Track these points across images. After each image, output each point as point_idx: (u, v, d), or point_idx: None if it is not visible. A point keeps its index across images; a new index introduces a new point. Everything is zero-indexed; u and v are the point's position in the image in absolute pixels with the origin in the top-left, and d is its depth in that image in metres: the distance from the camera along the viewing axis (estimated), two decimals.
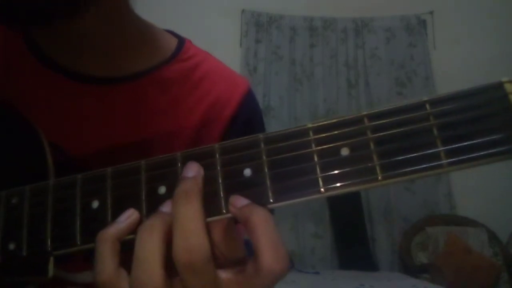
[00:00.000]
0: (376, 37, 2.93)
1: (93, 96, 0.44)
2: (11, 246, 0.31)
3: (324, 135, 0.27)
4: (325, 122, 0.27)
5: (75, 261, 0.43)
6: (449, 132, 0.24)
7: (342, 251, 2.67)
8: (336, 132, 0.26)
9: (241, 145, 0.28)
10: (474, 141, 0.24)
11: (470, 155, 0.24)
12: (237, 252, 0.29)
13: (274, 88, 2.86)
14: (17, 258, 0.31)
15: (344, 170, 0.26)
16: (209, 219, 0.27)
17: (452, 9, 2.92)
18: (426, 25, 2.95)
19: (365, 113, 0.26)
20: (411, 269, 2.45)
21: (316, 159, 0.26)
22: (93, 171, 0.31)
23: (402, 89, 2.87)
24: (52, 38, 0.44)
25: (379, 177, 0.25)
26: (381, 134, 0.26)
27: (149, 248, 0.26)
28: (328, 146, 0.26)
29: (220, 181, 0.28)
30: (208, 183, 0.28)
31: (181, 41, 0.51)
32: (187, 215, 0.26)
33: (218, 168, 0.28)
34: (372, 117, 0.26)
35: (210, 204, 0.27)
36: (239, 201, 0.27)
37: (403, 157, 0.25)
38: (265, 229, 0.26)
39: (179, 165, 0.29)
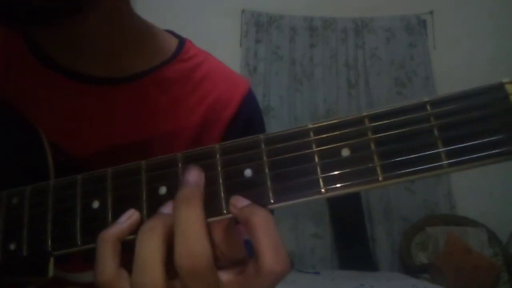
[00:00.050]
0: (376, 37, 2.93)
1: (94, 96, 0.44)
2: (12, 246, 0.31)
3: (324, 135, 0.27)
4: (326, 123, 0.27)
5: (75, 261, 0.43)
6: (450, 133, 0.24)
7: (342, 251, 2.67)
8: (336, 132, 0.27)
9: (242, 146, 0.28)
10: (475, 142, 0.24)
11: (471, 156, 0.24)
12: (237, 252, 0.29)
13: (274, 88, 2.86)
14: (17, 258, 0.31)
15: (345, 170, 0.26)
16: (210, 220, 0.27)
17: (452, 9, 2.92)
18: (426, 25, 2.95)
19: (365, 113, 0.26)
20: (411, 269, 2.45)
21: (316, 159, 0.26)
22: (94, 171, 0.31)
23: (402, 89, 2.87)
24: (52, 38, 0.44)
25: (380, 178, 0.25)
26: (382, 134, 0.26)
27: (150, 249, 0.26)
28: (328, 146, 0.26)
29: (220, 181, 0.28)
30: (209, 183, 0.28)
31: (182, 41, 0.51)
32: (188, 220, 0.26)
33: (219, 168, 0.28)
34: (373, 117, 0.26)
35: (211, 205, 0.27)
36: (240, 202, 0.27)
37: (403, 158, 0.25)
38: (266, 230, 0.26)
39: (180, 165, 0.29)
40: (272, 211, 0.27)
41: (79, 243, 0.29)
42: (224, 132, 0.47)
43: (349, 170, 0.26)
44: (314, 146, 0.27)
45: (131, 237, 0.28)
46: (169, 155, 0.29)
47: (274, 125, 2.74)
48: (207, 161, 0.28)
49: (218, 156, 0.28)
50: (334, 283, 2.11)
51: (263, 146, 0.28)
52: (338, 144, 0.26)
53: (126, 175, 0.30)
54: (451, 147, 0.24)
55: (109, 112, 0.45)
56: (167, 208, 0.27)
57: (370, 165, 0.25)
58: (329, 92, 2.86)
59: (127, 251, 0.28)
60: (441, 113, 0.25)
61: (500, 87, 0.24)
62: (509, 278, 2.44)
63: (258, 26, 2.92)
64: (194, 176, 0.27)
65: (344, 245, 2.67)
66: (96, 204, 0.30)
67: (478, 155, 0.24)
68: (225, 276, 0.27)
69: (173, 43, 0.50)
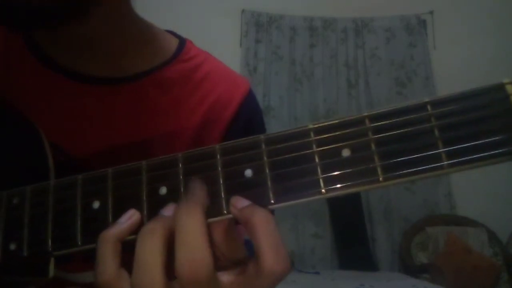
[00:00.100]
0: (376, 37, 2.93)
1: (94, 96, 0.44)
2: (12, 246, 0.31)
3: (325, 136, 0.27)
4: (326, 123, 0.27)
5: (75, 261, 0.43)
6: (450, 133, 0.24)
7: (342, 251, 2.67)
8: (337, 133, 0.26)
9: (242, 146, 0.28)
10: (475, 143, 0.24)
11: (471, 157, 0.24)
12: (237, 252, 0.29)
13: (274, 88, 2.86)
14: (18, 258, 0.31)
15: (345, 171, 0.26)
16: (210, 220, 0.27)
17: (452, 9, 2.92)
18: (426, 25, 2.95)
19: (366, 114, 0.26)
20: (411, 269, 2.45)
21: (317, 160, 0.26)
22: (94, 171, 0.31)
23: (402, 89, 2.87)
24: (52, 38, 0.44)
25: (380, 178, 0.25)
26: (382, 135, 0.26)
27: (150, 251, 0.26)
28: (329, 147, 0.26)
29: (221, 182, 0.28)
30: (209, 184, 0.28)
31: (182, 41, 0.51)
32: (190, 229, 0.25)
33: (219, 168, 0.28)
34: (373, 118, 0.26)
35: (211, 205, 0.27)
36: (240, 202, 0.27)
37: (404, 158, 0.25)
38: (266, 230, 0.26)
39: (180, 165, 0.29)
40: (272, 211, 0.28)
41: (79, 243, 0.29)
42: (225, 132, 0.47)
43: (349, 170, 0.26)
44: (314, 146, 0.27)
45: (132, 237, 0.28)
46: (170, 155, 0.29)
47: (274, 125, 2.74)
48: (207, 161, 0.28)
49: (218, 156, 0.28)
50: (334, 283, 2.11)
51: (263, 146, 0.28)
52: (339, 144, 0.26)
53: (127, 175, 0.30)
54: (452, 148, 0.24)
55: (109, 112, 0.45)
56: (168, 211, 0.27)
57: (371, 166, 0.25)
58: (329, 92, 2.86)
59: (127, 251, 0.28)
60: (441, 114, 0.25)
61: (501, 87, 0.24)
62: (509, 278, 2.45)
63: (258, 26, 2.92)
64: (196, 186, 0.27)
65: (344, 245, 2.67)
66: (96, 204, 0.30)
67: (479, 155, 0.24)
68: (225, 276, 0.27)
69: (174, 43, 0.50)
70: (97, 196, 0.30)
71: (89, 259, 0.42)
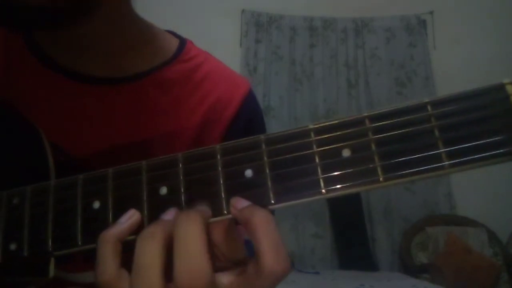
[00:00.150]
0: (376, 37, 2.93)
1: (94, 96, 0.44)
2: (12, 247, 0.31)
3: (325, 136, 0.27)
4: (327, 123, 0.27)
5: (76, 261, 0.43)
6: (451, 133, 0.24)
7: (342, 251, 2.67)
8: (337, 133, 0.27)
9: (242, 146, 0.28)
10: (476, 143, 0.24)
11: (472, 157, 0.24)
12: (237, 252, 0.29)
13: (274, 88, 2.86)
14: (18, 258, 0.31)
15: (346, 171, 0.26)
16: (210, 220, 0.27)
17: (452, 9, 2.92)
18: (426, 25, 2.95)
19: (366, 114, 0.26)
20: (411, 269, 2.45)
21: (317, 160, 0.26)
22: (94, 171, 0.31)
23: (402, 89, 2.87)
24: (52, 38, 0.44)
25: (381, 179, 0.25)
26: (383, 135, 0.26)
27: (150, 255, 0.26)
28: (329, 147, 0.26)
29: (221, 182, 0.28)
30: (209, 184, 0.28)
31: (182, 41, 0.51)
32: (189, 238, 0.25)
33: (219, 169, 0.28)
34: (374, 118, 0.26)
35: (211, 205, 0.27)
36: (240, 203, 0.27)
37: (404, 159, 0.25)
38: (266, 231, 0.26)
39: (180, 166, 0.29)
40: (272, 212, 0.28)
41: (79, 243, 0.29)
42: (225, 132, 0.47)
43: (349, 170, 0.26)
44: (314, 146, 0.27)
45: (132, 237, 0.28)
46: (170, 156, 0.29)
47: (274, 125, 2.74)
48: (207, 162, 0.28)
49: (218, 156, 0.28)
50: (334, 283, 2.11)
51: (263, 146, 0.28)
52: (339, 144, 0.26)
53: (127, 175, 0.30)
54: (452, 148, 0.24)
55: (109, 112, 0.45)
56: (168, 216, 0.27)
57: (371, 166, 0.25)
58: (329, 92, 2.86)
59: (127, 251, 0.28)
60: (441, 114, 0.25)
61: (501, 87, 0.24)
62: (509, 278, 2.45)
63: (258, 26, 2.92)
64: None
65: (344, 245, 2.67)
66: (97, 204, 0.30)
67: (479, 155, 0.24)
68: (225, 277, 0.27)
69: (174, 43, 0.50)
70: (98, 196, 0.30)
71: (90, 259, 0.42)
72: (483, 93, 0.24)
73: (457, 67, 2.76)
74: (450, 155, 0.24)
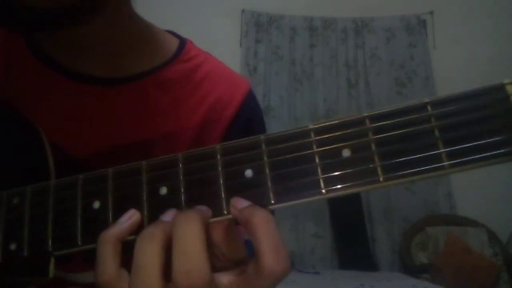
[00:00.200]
0: (376, 37, 2.93)
1: (94, 96, 0.44)
2: (12, 246, 0.31)
3: (325, 136, 0.27)
4: (327, 123, 0.27)
5: (76, 261, 0.43)
6: (451, 133, 0.24)
7: (342, 251, 2.67)
8: (337, 133, 0.27)
9: (242, 146, 0.28)
10: (476, 143, 0.24)
11: (472, 157, 0.24)
12: (237, 252, 0.29)
13: (274, 88, 2.86)
14: (18, 258, 0.31)
15: (346, 171, 0.26)
16: (210, 220, 0.27)
17: (452, 9, 2.92)
18: (426, 25, 2.94)
19: (366, 114, 0.26)
20: (411, 269, 2.45)
21: (317, 160, 0.26)
22: (94, 171, 0.31)
23: (402, 89, 2.87)
24: (53, 39, 0.44)
25: (381, 179, 0.25)
26: (383, 135, 0.26)
27: (149, 255, 0.26)
28: (329, 147, 0.26)
29: (221, 182, 0.28)
30: (209, 184, 0.28)
31: (183, 41, 0.51)
32: (188, 238, 0.26)
33: (220, 169, 0.28)
34: (374, 118, 0.26)
35: (211, 205, 0.27)
36: (240, 203, 0.27)
37: (404, 159, 0.25)
38: (266, 231, 0.26)
39: (180, 166, 0.29)
40: (272, 212, 0.28)
41: (79, 243, 0.29)
42: (225, 132, 0.47)
43: (350, 170, 0.26)
44: (314, 146, 0.27)
45: (132, 237, 0.28)
46: (170, 156, 0.29)
47: (274, 125, 2.74)
48: (207, 162, 0.28)
49: (218, 156, 0.28)
50: (334, 283, 2.11)
51: (263, 146, 0.28)
52: (339, 144, 0.26)
53: (127, 175, 0.30)
54: (452, 148, 0.24)
55: (109, 112, 0.45)
56: (167, 217, 0.27)
57: (371, 166, 0.25)
58: (329, 92, 2.86)
59: (127, 251, 0.28)
60: (441, 114, 0.25)
61: (501, 88, 0.24)
62: (509, 278, 2.45)
63: (258, 26, 2.92)
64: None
65: (344, 245, 2.67)
66: (97, 204, 0.30)
67: (479, 156, 0.24)
68: (225, 277, 0.27)
69: (174, 43, 0.50)
70: (98, 196, 0.30)
71: (90, 259, 0.42)
72: (483, 93, 0.24)
73: (457, 67, 2.76)
74: (450, 155, 0.24)
